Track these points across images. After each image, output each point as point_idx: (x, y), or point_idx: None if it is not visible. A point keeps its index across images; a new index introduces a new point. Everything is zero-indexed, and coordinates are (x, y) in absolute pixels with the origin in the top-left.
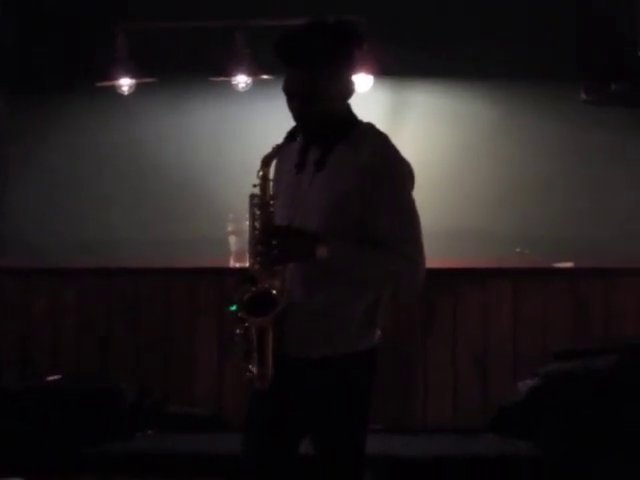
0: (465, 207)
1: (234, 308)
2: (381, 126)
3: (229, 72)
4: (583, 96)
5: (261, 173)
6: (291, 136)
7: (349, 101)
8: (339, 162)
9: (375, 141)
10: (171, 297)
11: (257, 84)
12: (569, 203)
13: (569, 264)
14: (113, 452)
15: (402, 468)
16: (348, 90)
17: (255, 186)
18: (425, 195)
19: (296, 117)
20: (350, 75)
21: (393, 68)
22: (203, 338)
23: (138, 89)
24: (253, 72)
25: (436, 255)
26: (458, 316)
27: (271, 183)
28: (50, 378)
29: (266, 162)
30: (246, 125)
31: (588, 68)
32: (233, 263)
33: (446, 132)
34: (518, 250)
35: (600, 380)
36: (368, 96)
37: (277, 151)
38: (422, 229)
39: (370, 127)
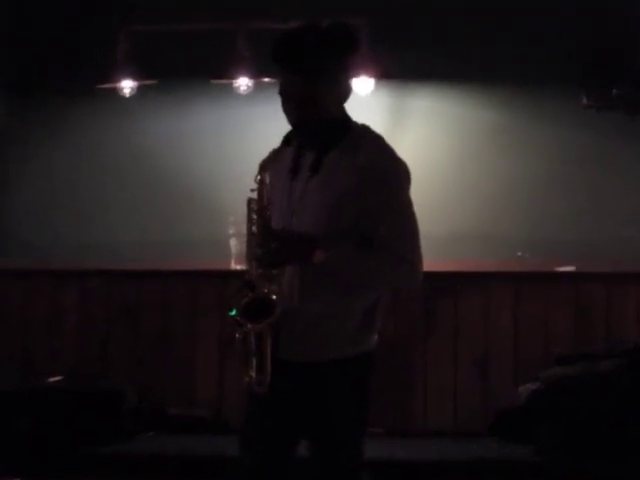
0: (466, 211)
1: (234, 313)
2: (382, 129)
3: (230, 75)
4: (585, 100)
5: (259, 178)
6: (287, 140)
7: (346, 104)
8: (335, 165)
9: (371, 142)
10: (172, 299)
11: (258, 87)
12: (571, 207)
13: (571, 268)
14: (113, 454)
15: (402, 472)
16: (344, 94)
17: (253, 190)
18: (426, 198)
19: (291, 121)
20: (346, 79)
21: (394, 71)
22: (204, 340)
23: (139, 91)
24: (254, 75)
25: (437, 258)
26: (459, 319)
27: (269, 187)
28: (51, 379)
29: (264, 167)
30: (247, 127)
31: (590, 73)
32: (234, 265)
33: (447, 135)
34: (519, 254)
35: (602, 384)
36: (369, 99)
37: (274, 156)
38: (422, 232)
39: (365, 129)
